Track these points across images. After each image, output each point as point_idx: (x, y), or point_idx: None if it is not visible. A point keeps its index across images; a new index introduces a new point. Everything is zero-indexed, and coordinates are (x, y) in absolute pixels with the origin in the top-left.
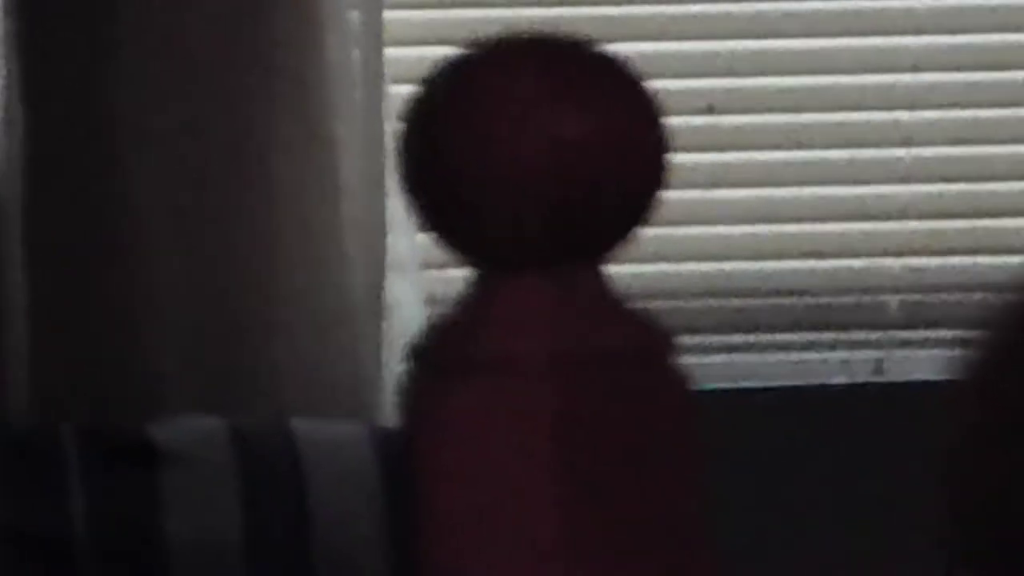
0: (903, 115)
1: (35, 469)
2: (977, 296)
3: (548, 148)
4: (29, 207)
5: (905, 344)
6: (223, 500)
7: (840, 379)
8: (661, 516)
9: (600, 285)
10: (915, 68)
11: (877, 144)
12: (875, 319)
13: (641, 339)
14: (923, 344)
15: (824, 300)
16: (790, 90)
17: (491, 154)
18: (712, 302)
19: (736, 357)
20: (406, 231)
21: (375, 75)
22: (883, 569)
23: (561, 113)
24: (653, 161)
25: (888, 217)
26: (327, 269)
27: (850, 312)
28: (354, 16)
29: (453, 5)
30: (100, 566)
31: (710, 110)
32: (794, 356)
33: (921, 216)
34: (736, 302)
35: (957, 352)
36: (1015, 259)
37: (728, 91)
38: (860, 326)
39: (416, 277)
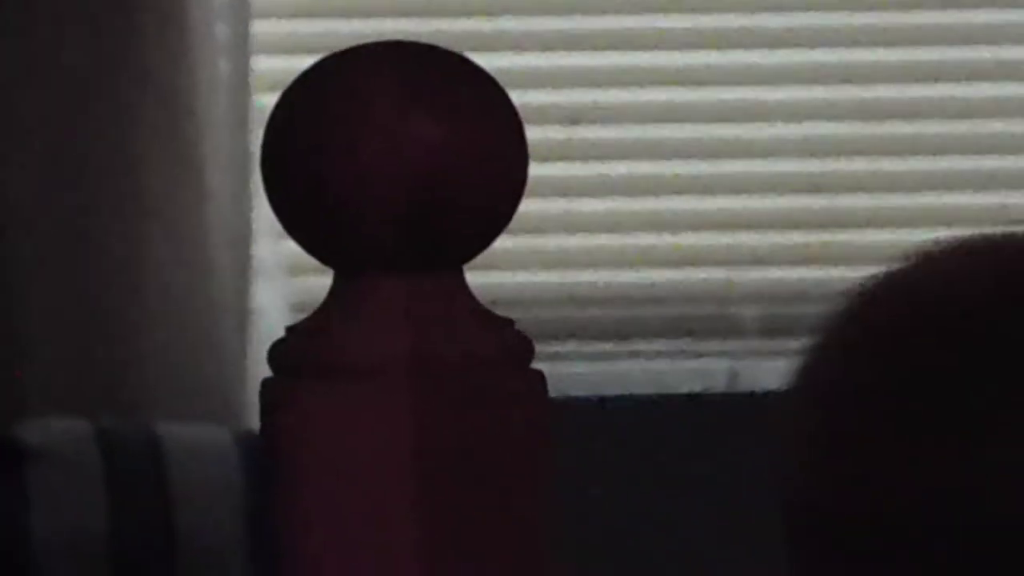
0: (763, 129)
1: None
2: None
3: (402, 153)
4: None
5: (759, 354)
6: (89, 500)
7: (695, 388)
8: (512, 519)
9: (459, 291)
10: (776, 82)
11: (735, 157)
12: (730, 329)
13: (499, 345)
14: (778, 354)
15: (680, 310)
16: (650, 104)
17: (346, 159)
18: (570, 311)
19: (593, 366)
20: (271, 238)
21: (242, 85)
22: (735, 570)
23: (416, 119)
24: (510, 169)
25: (744, 229)
26: (193, 275)
27: (706, 322)
28: (222, 28)
29: (319, 15)
30: None
31: (573, 122)
32: (650, 365)
33: (777, 228)
34: (594, 311)
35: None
36: (867, 270)
37: (590, 105)
38: (715, 336)
39: (280, 283)
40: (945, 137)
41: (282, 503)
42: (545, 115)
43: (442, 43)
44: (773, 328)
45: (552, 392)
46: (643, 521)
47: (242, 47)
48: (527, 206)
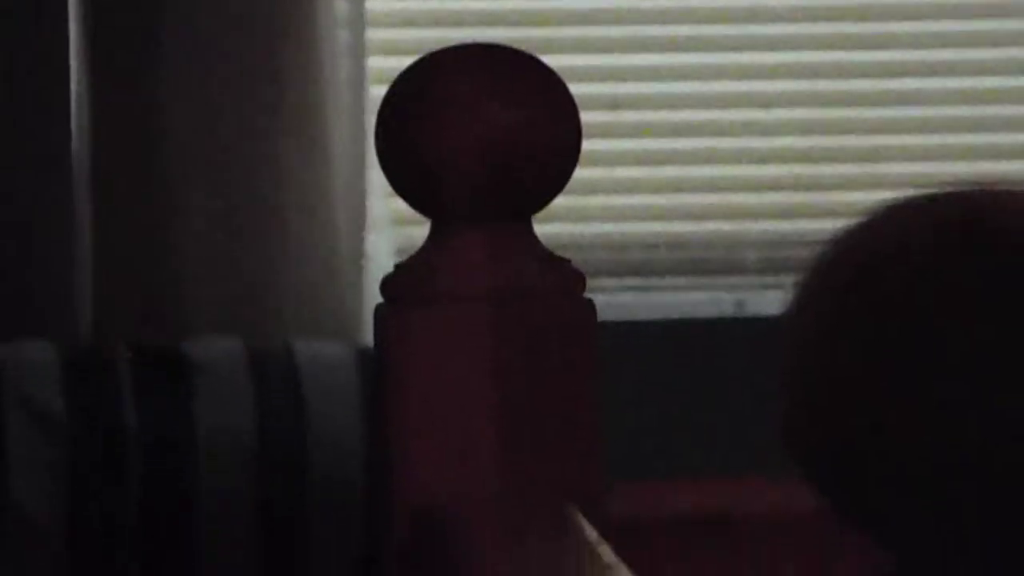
0: (760, 113)
1: (95, 376)
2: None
3: (482, 131)
4: (95, 174)
5: (760, 287)
6: (241, 403)
7: (710, 314)
8: (570, 413)
9: (527, 237)
10: (771, 77)
11: (738, 135)
12: (736, 268)
13: (558, 278)
14: (774, 287)
15: (697, 254)
16: (675, 94)
17: (441, 136)
18: (612, 254)
19: (630, 296)
20: (381, 196)
21: (359, 79)
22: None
23: (494, 104)
24: (566, 144)
25: (746, 191)
26: (321, 225)
27: (717, 263)
28: (343, 34)
29: (419, 25)
30: (143, 451)
31: (614, 107)
32: (673, 296)
33: (772, 190)
34: (631, 254)
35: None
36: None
37: (627, 95)
38: (725, 273)
39: (388, 232)
40: (906, 121)
41: (391, 404)
42: (593, 102)
43: (515, 45)
44: (770, 268)
45: (599, 316)
46: (665, 416)
47: (359, 49)
48: (579, 173)
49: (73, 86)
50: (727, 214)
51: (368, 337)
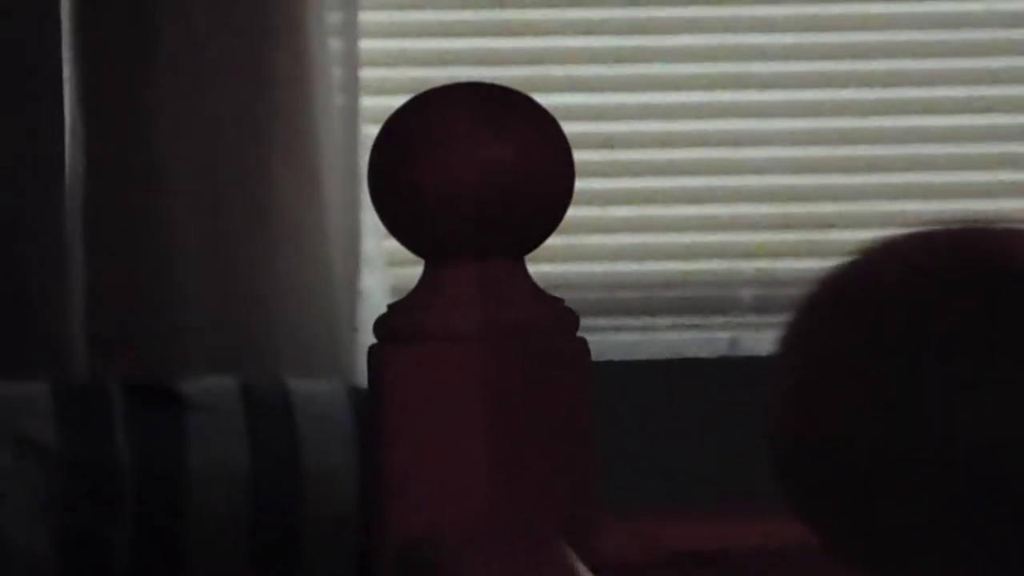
0: (753, 152)
1: (89, 412)
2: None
3: (477, 169)
4: (88, 207)
5: (754, 327)
6: (234, 439)
7: (703, 353)
8: (561, 451)
9: (520, 275)
10: (767, 115)
11: (732, 174)
12: (730, 307)
13: (552, 317)
14: (768, 327)
15: (691, 293)
16: (668, 133)
17: (434, 175)
18: (606, 293)
19: (623, 336)
20: (375, 236)
21: (352, 118)
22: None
23: (487, 142)
24: (560, 182)
25: (741, 230)
26: (315, 264)
27: (711, 302)
28: (337, 71)
29: (413, 64)
30: (137, 487)
31: (607, 146)
32: (667, 335)
33: (766, 230)
34: (624, 293)
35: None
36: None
37: (621, 133)
38: (719, 312)
39: (382, 272)
40: (898, 158)
41: (383, 441)
42: (586, 140)
43: (508, 85)
44: (764, 307)
45: (592, 356)
46: (659, 455)
47: (352, 88)
48: (572, 212)
49: (67, 117)
50: (721, 253)
51: (361, 377)
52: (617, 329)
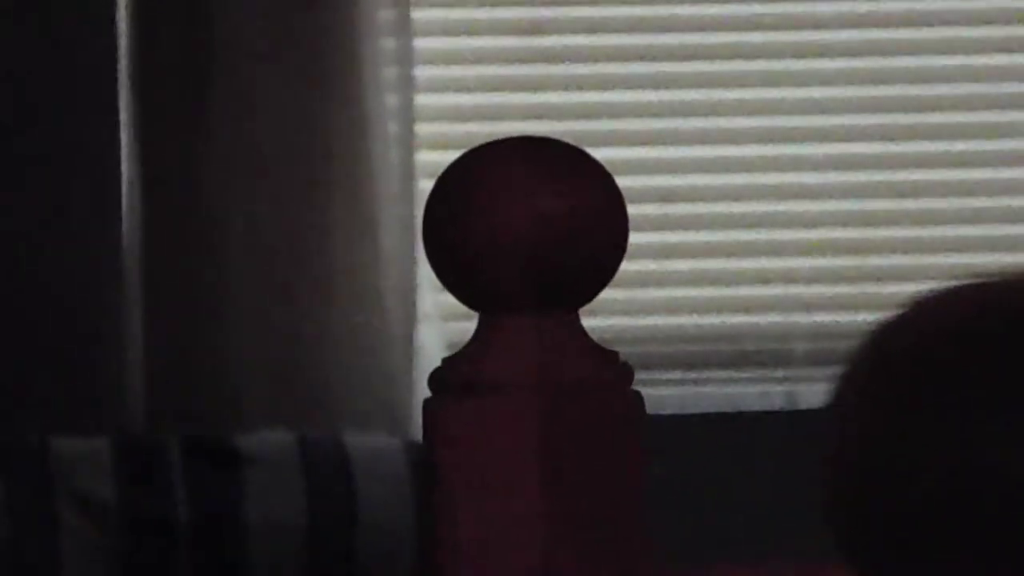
0: (811, 205)
1: (148, 468)
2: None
3: (531, 222)
4: (145, 262)
5: (809, 379)
6: (291, 495)
7: (758, 407)
8: (617, 508)
9: (575, 329)
10: (812, 167)
11: (787, 228)
12: (787, 361)
13: (607, 370)
14: (826, 379)
15: (747, 346)
16: (723, 187)
17: (490, 227)
18: (662, 346)
19: (679, 389)
20: (431, 291)
21: (408, 171)
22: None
23: (541, 195)
24: (614, 236)
25: (795, 283)
26: (372, 319)
27: (767, 355)
28: (393, 126)
29: (466, 119)
30: (195, 543)
31: (664, 200)
32: (723, 389)
33: (820, 283)
34: (680, 346)
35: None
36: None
37: (679, 185)
38: (775, 366)
39: (438, 326)
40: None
41: (439, 495)
42: (643, 195)
43: (563, 139)
44: (819, 360)
45: (647, 409)
46: (714, 508)
47: (408, 143)
48: (627, 265)
49: (124, 171)
50: (776, 306)
51: (417, 431)
52: (672, 383)
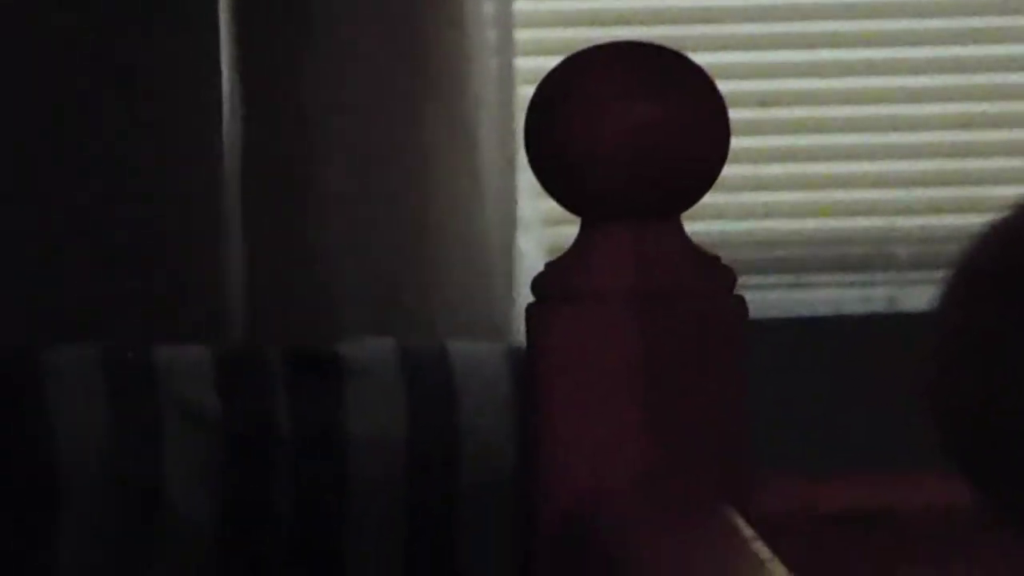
0: (914, 108)
1: (250, 380)
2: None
3: (631, 128)
4: (246, 178)
5: (911, 283)
6: (392, 405)
7: (860, 310)
8: (716, 412)
9: (677, 234)
10: (914, 71)
11: (891, 131)
12: (888, 264)
13: (709, 275)
14: (925, 283)
15: (849, 250)
16: (824, 90)
17: (589, 134)
18: (765, 251)
19: (782, 293)
20: (531, 197)
21: (508, 79)
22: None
23: (641, 101)
24: (714, 141)
25: (897, 186)
26: (472, 227)
27: (869, 259)
28: (492, 34)
29: (566, 24)
30: (296, 454)
31: (762, 105)
32: (826, 292)
33: (922, 185)
34: (782, 251)
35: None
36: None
37: (776, 91)
38: (877, 269)
39: (539, 232)
40: None
41: (540, 402)
42: (741, 99)
43: (663, 43)
44: (922, 263)
45: (749, 314)
46: (814, 413)
47: (507, 49)
48: (727, 170)
49: (225, 89)
50: (877, 210)
51: (519, 336)
52: (773, 287)
